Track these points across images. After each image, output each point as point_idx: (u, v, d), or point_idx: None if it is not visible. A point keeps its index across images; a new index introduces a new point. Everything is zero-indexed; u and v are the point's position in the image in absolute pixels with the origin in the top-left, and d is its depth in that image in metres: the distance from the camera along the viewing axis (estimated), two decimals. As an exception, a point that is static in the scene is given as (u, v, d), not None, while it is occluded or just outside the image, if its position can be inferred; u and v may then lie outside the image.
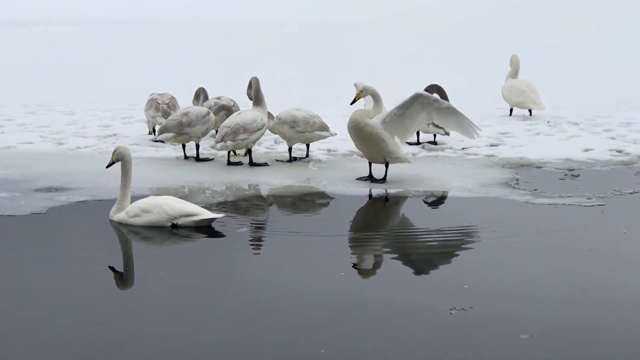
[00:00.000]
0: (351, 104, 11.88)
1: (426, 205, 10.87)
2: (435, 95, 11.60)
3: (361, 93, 11.57)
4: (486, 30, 40.20)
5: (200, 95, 14.35)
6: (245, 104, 13.49)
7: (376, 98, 11.49)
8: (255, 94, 12.47)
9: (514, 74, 16.39)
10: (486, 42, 34.21)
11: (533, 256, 8.55)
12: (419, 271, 8.25)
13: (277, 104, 14.43)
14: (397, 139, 11.54)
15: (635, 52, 29.16)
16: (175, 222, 9.37)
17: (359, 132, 11.35)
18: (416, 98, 11.22)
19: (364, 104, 12.47)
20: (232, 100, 14.14)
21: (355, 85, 12.27)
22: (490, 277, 7.96)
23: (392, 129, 11.39)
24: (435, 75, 19.04)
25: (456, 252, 8.79)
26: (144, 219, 9.42)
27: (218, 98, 14.10)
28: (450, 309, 7.07)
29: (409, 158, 11.82)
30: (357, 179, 11.64)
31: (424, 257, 8.73)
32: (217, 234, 9.30)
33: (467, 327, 6.77)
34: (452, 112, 11.29)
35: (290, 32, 40.35)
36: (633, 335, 6.70)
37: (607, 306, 7.24)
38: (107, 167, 9.96)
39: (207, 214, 9.44)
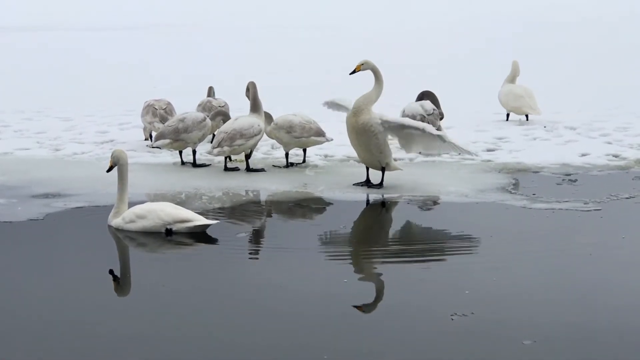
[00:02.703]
0: (350, 73, 11.81)
1: (423, 210, 10.86)
2: (439, 132, 11.50)
3: (362, 65, 11.52)
4: (483, 33, 40.26)
5: (210, 93, 14.80)
6: (244, 108, 13.47)
7: (376, 74, 11.42)
8: (252, 99, 12.49)
9: (512, 79, 16.40)
10: (483, 45, 34.26)
11: (533, 261, 8.53)
12: (418, 277, 8.22)
13: (276, 109, 14.44)
14: (396, 146, 11.60)
15: (632, 57, 29.20)
16: (169, 227, 9.37)
17: (357, 116, 11.31)
18: (417, 129, 11.29)
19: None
20: (224, 101, 14.33)
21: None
22: (490, 282, 7.94)
23: (390, 133, 11.42)
24: (432, 79, 19.09)
25: (455, 258, 8.77)
26: (139, 225, 9.42)
27: (215, 99, 14.40)
28: (452, 315, 7.06)
29: (399, 166, 11.85)
30: (354, 185, 11.63)
31: (423, 262, 8.71)
32: (212, 240, 9.29)
33: (469, 333, 6.75)
34: (451, 145, 11.35)
35: (289, 35, 40.36)
36: (636, 340, 6.70)
37: (610, 311, 7.23)
38: (108, 171, 9.94)
39: (202, 220, 9.43)
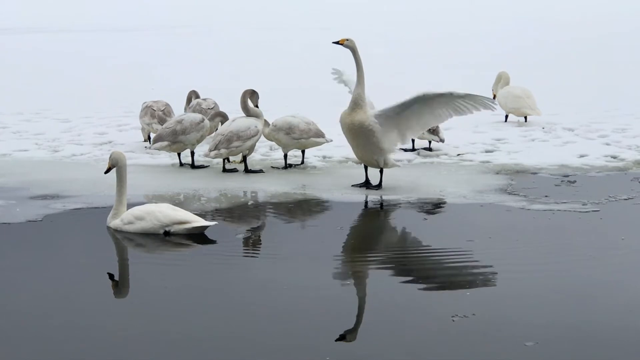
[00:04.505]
0: (333, 42, 11.67)
1: (422, 212, 10.85)
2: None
3: (347, 41, 11.45)
4: (483, 34, 40.26)
5: (192, 97, 14.63)
6: (240, 110, 13.46)
7: (355, 57, 11.31)
8: (248, 107, 12.50)
9: (504, 85, 16.37)
10: (483, 46, 34.26)
11: (532, 262, 8.54)
12: (418, 279, 8.23)
13: (274, 111, 14.44)
14: (393, 140, 11.48)
15: (630, 59, 29.21)
16: (167, 229, 9.37)
17: (352, 116, 11.26)
18: (418, 98, 11.18)
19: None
20: (213, 102, 14.29)
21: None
22: (490, 283, 7.96)
23: (387, 125, 11.32)
24: (432, 79, 19.09)
25: (455, 259, 8.76)
26: (138, 226, 9.42)
27: (204, 99, 14.34)
28: (453, 316, 7.06)
29: (396, 163, 11.84)
30: (352, 186, 11.62)
31: (422, 264, 8.71)
32: (211, 242, 9.28)
33: (471, 334, 6.75)
34: (465, 97, 11.13)
35: (289, 36, 40.36)
36: (636, 340, 6.69)
37: (610, 311, 7.24)
38: (106, 173, 9.95)
39: (200, 222, 9.43)
